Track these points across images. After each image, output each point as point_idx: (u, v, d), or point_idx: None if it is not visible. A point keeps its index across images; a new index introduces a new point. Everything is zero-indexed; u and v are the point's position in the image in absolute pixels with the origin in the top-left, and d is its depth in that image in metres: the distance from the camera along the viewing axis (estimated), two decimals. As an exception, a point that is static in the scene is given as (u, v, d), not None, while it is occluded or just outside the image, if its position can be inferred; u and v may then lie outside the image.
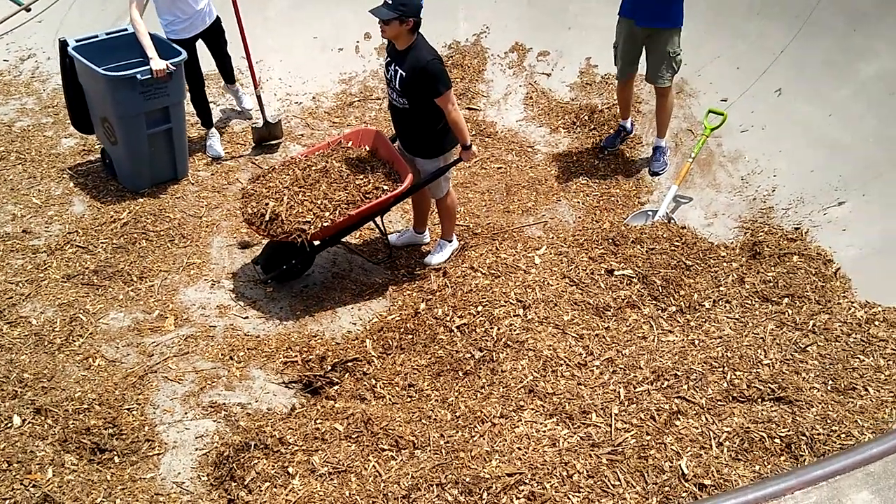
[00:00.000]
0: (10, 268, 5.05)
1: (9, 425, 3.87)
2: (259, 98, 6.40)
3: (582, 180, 6.14)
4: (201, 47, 6.15)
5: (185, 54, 5.54)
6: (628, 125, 6.43)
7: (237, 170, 6.21)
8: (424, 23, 7.24)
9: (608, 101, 6.76)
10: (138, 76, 5.30)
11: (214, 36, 6.17)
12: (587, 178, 6.16)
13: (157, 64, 5.41)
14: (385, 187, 4.84)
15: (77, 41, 5.60)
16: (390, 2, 4.45)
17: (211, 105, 6.48)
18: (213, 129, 6.42)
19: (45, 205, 5.67)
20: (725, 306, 4.41)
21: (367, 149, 5.15)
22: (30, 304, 4.79)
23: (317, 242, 4.97)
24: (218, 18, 6.13)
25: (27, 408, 3.97)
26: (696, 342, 4.08)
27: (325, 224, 4.67)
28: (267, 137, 6.50)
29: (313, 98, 7.09)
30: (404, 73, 4.60)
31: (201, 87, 6.19)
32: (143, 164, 5.64)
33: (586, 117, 6.72)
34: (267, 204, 4.77)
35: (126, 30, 5.85)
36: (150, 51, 5.49)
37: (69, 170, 6.06)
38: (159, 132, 5.65)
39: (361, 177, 4.88)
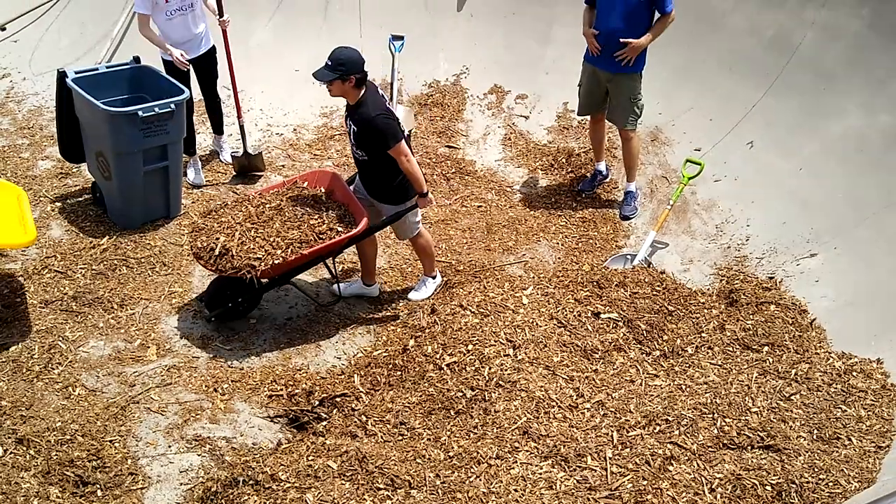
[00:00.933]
0: (-16, 291, 4.93)
1: (-10, 455, 3.76)
2: (241, 127, 6.40)
3: (560, 222, 6.26)
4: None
5: (187, 93, 5.51)
6: (603, 169, 6.59)
7: (217, 198, 6.17)
8: (406, 60, 7.41)
9: (584, 145, 6.92)
10: (140, 112, 5.21)
11: (207, 64, 6.18)
12: (565, 220, 6.28)
13: (175, 52, 5.72)
14: (339, 228, 4.80)
15: (76, 73, 5.51)
16: (330, 63, 4.52)
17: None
18: (196, 157, 6.39)
19: (21, 227, 5.55)
20: (708, 352, 4.53)
21: (323, 190, 5.10)
22: (6, 330, 4.68)
23: (265, 281, 4.91)
24: (213, 48, 6.14)
25: (9, 437, 3.87)
26: (683, 387, 4.18)
27: (276, 261, 4.59)
28: (247, 168, 6.49)
29: (294, 130, 7.10)
30: (356, 128, 4.67)
31: (190, 114, 6.17)
32: (137, 201, 5.53)
33: (563, 160, 6.87)
34: (217, 238, 4.68)
35: (126, 64, 5.82)
36: (164, 46, 5.77)
37: (46, 193, 5.95)
38: (155, 170, 5.56)
39: (316, 217, 4.84)
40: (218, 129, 6.63)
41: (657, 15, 5.78)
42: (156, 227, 5.72)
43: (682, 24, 6.64)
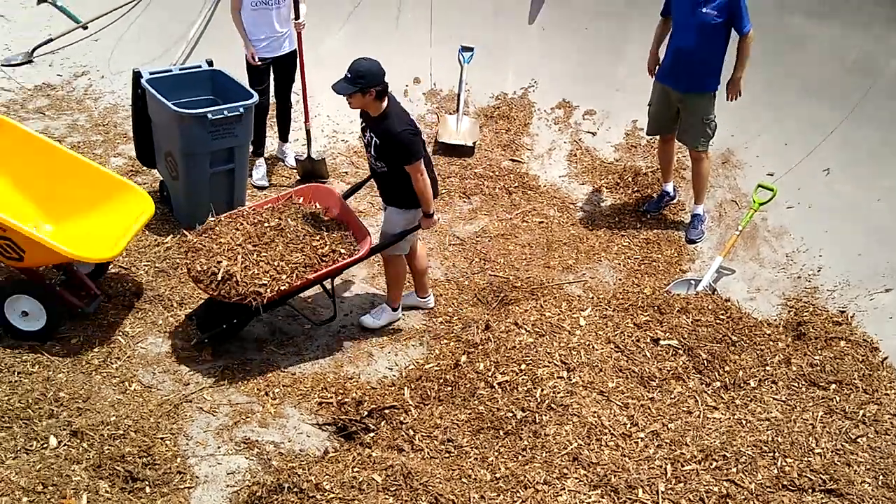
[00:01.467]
0: (52, 284, 5.05)
1: (45, 446, 3.84)
2: (308, 132, 6.45)
3: (623, 242, 6.12)
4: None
5: (256, 97, 5.57)
6: (671, 190, 6.44)
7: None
8: (474, 71, 7.38)
9: (652, 164, 6.77)
10: (210, 115, 5.27)
11: (286, 66, 6.26)
12: (629, 240, 6.14)
13: (247, 48, 5.93)
14: (342, 251, 4.66)
15: (151, 73, 5.62)
16: (349, 75, 4.43)
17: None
18: (262, 160, 6.47)
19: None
20: (772, 387, 4.35)
21: (319, 206, 4.95)
22: (70, 323, 4.77)
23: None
24: (295, 52, 6.21)
25: (64, 429, 3.93)
26: (744, 422, 4.01)
27: (282, 287, 4.42)
28: (311, 173, 6.54)
29: (359, 137, 7.12)
30: (378, 141, 4.56)
31: (264, 116, 6.26)
32: (202, 202, 5.55)
33: (630, 179, 6.73)
34: (219, 262, 4.43)
35: (199, 66, 5.92)
36: (243, 37, 5.96)
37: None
38: (221, 172, 5.60)
39: (318, 238, 4.68)
40: (284, 135, 6.70)
41: (733, 34, 5.63)
42: (219, 227, 5.79)
43: (761, 44, 6.45)
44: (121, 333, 4.77)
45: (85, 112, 7.07)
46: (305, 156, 6.50)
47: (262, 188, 6.37)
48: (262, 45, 6.06)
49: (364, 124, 4.70)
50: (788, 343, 4.69)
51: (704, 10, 5.55)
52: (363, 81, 4.37)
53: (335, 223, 4.86)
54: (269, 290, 4.37)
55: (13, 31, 7.99)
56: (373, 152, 4.65)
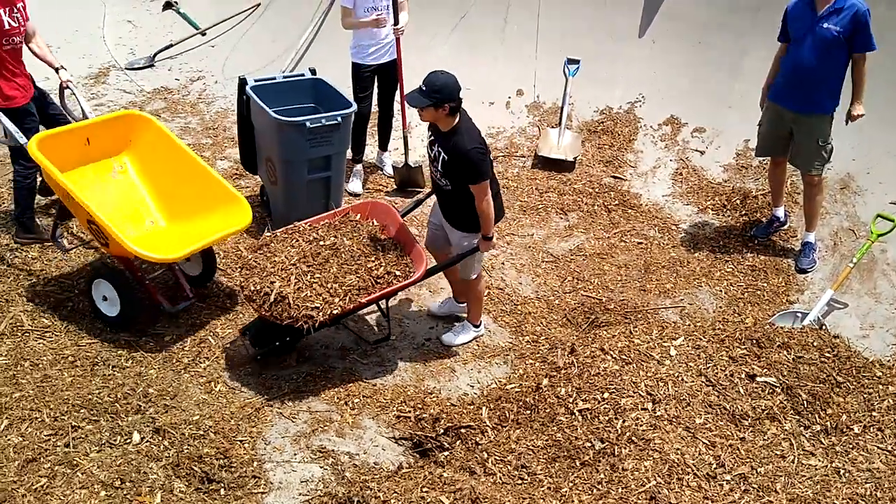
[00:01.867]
0: (152, 282, 5.22)
1: (128, 441, 3.96)
2: (405, 139, 6.47)
3: (727, 268, 5.82)
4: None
5: (354, 106, 5.64)
6: (781, 215, 6.08)
7: (376, 211, 6.26)
8: (580, 84, 7.21)
9: (763, 187, 6.42)
10: (308, 123, 5.35)
11: (389, 74, 6.31)
12: (733, 266, 5.84)
13: (373, 21, 5.96)
14: (397, 272, 4.52)
15: (256, 81, 5.76)
16: (424, 88, 4.26)
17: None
18: (360, 167, 6.54)
19: (193, 223, 5.88)
20: (877, 434, 4.02)
21: (376, 223, 4.85)
22: (165, 321, 4.94)
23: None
24: (395, 61, 6.25)
25: (147, 426, 4.05)
26: (842, 472, 3.72)
27: (335, 311, 4.30)
28: (407, 181, 6.55)
29: (426, 150, 7.07)
30: (446, 157, 4.41)
31: (365, 123, 6.36)
32: (298, 207, 5.67)
33: (738, 201, 6.41)
34: (272, 283, 4.35)
35: (303, 75, 6.05)
36: (364, 23, 6.00)
37: (219, 192, 6.28)
38: (318, 178, 5.68)
39: (373, 259, 4.55)
40: (384, 143, 6.75)
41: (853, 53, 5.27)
42: (314, 233, 5.87)
43: (887, 64, 6.04)
44: (211, 334, 4.89)
45: (198, 115, 7.34)
46: (403, 163, 6.52)
47: (356, 195, 6.43)
48: (369, 52, 6.14)
49: (432, 138, 4.60)
50: (901, 388, 4.33)
51: (826, 24, 5.22)
52: (438, 96, 4.25)
53: (392, 242, 4.75)
54: (321, 314, 4.28)
55: (139, 36, 8.41)
56: (439, 167, 4.53)
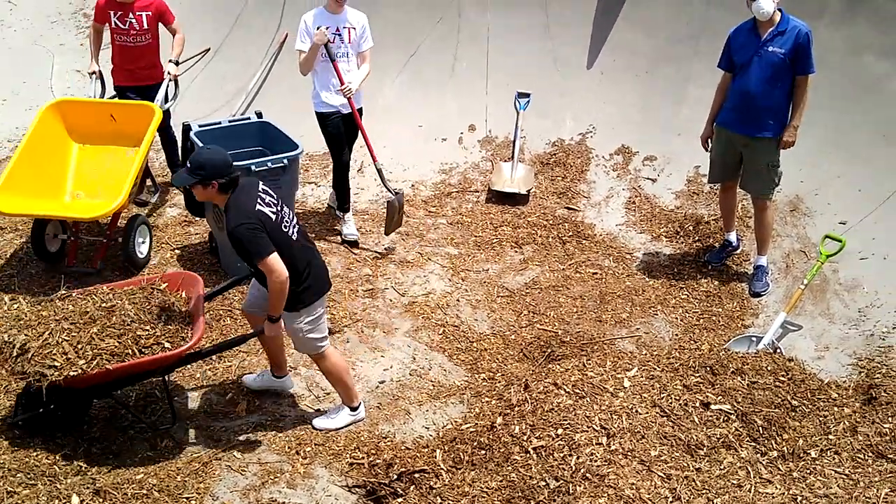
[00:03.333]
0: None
1: (66, 505, 3.81)
2: (380, 172, 6.22)
3: (682, 295, 5.82)
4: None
5: (301, 148, 5.57)
6: (734, 239, 6.10)
7: (329, 252, 6.18)
8: (531, 117, 7.24)
9: (715, 212, 6.46)
10: (253, 167, 5.29)
11: (353, 123, 6.12)
12: (688, 292, 5.83)
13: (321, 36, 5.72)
14: (167, 344, 4.11)
15: (200, 126, 5.72)
16: (189, 165, 4.02)
17: (312, 186, 6.53)
18: (349, 215, 6.38)
19: (141, 273, 5.76)
20: (834, 458, 3.98)
21: (184, 296, 4.49)
22: (109, 375, 4.79)
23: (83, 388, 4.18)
24: (361, 110, 6.12)
25: (87, 487, 3.90)
26: (799, 498, 3.66)
27: (72, 373, 3.88)
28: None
29: (412, 186, 7.07)
30: (227, 237, 4.13)
31: (346, 172, 6.28)
32: None
33: (691, 227, 6.44)
34: (18, 334, 4.04)
35: (248, 118, 6.02)
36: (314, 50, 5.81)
37: (168, 240, 6.18)
38: (268, 223, 5.60)
39: (148, 327, 4.16)
40: (343, 203, 6.43)
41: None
42: (265, 278, 5.77)
43: (832, 86, 6.15)
44: (157, 387, 4.76)
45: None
46: (394, 193, 6.16)
47: (353, 244, 6.28)
48: (327, 98, 5.98)
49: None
50: (856, 409, 4.31)
51: (771, 48, 5.29)
52: (202, 172, 3.96)
53: (184, 316, 4.35)
54: (55, 374, 3.86)
55: (87, 85, 8.29)
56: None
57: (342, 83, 5.84)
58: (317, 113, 6.07)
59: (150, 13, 6.25)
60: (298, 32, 5.87)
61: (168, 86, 6.43)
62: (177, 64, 6.49)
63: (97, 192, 5.75)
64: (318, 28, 5.76)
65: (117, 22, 6.22)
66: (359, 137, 6.24)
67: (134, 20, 6.22)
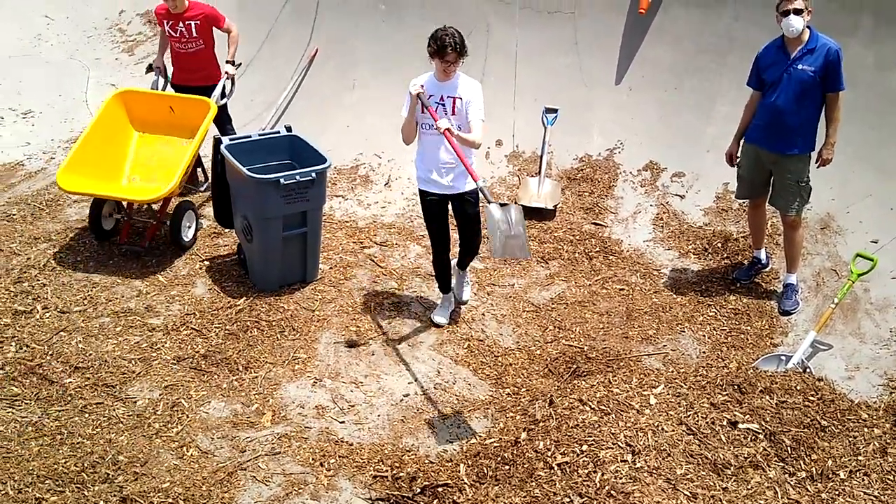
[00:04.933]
0: (126, 343, 5.18)
1: (94, 512, 3.85)
2: (482, 190, 4.71)
3: (710, 312, 5.76)
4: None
5: (329, 162, 5.63)
6: (763, 257, 6.04)
7: (355, 265, 6.22)
8: (558, 133, 7.24)
9: (744, 229, 6.40)
10: (281, 181, 5.35)
11: (463, 206, 5.31)
12: (716, 310, 5.78)
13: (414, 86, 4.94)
14: None
15: (230, 139, 5.83)
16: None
17: (339, 199, 6.58)
18: (448, 295, 5.70)
19: (171, 284, 5.84)
20: (863, 479, 3.91)
21: None
22: (138, 384, 4.86)
23: None
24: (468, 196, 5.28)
25: (115, 495, 3.95)
26: (828, 521, 3.60)
27: None
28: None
29: (439, 200, 7.08)
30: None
31: (445, 254, 5.54)
32: (275, 264, 5.67)
33: (719, 244, 6.38)
34: None
35: (278, 132, 6.10)
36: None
37: (197, 252, 6.25)
38: (294, 235, 5.66)
39: None
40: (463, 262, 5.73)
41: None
42: (292, 290, 5.82)
43: (863, 103, 6.09)
44: (185, 396, 4.80)
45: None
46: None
47: (438, 325, 5.64)
48: (429, 177, 5.22)
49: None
50: (887, 430, 4.23)
51: (801, 66, 5.26)
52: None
53: None
54: None
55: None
56: None
57: (435, 119, 4.83)
58: (420, 189, 5.37)
59: (198, 22, 6.58)
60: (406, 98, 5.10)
61: (224, 84, 6.77)
62: (233, 63, 6.81)
63: (152, 178, 6.28)
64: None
65: (170, 30, 6.63)
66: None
67: (184, 28, 6.59)
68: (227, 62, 6.78)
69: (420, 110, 5.05)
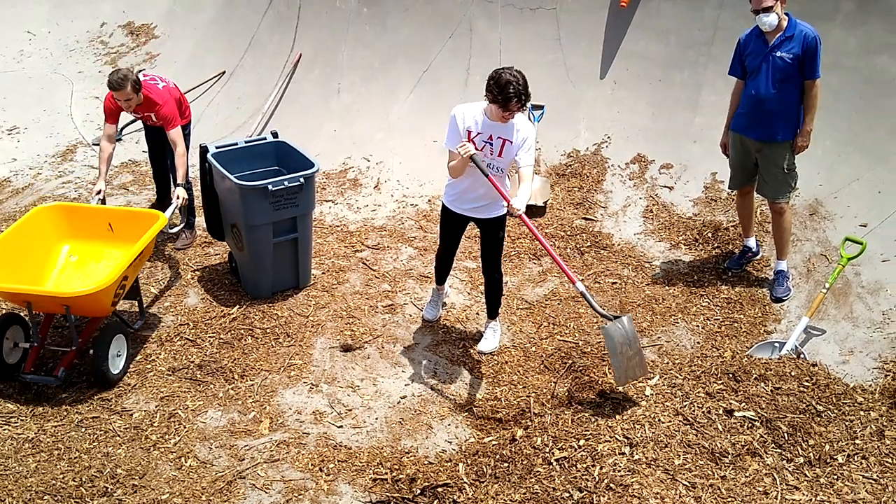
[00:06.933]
0: (120, 356, 5.15)
1: (94, 526, 3.84)
2: (583, 294, 4.69)
3: (703, 302, 5.78)
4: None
5: (317, 166, 5.61)
6: (753, 245, 6.06)
7: (348, 269, 6.22)
8: (545, 129, 7.24)
9: (733, 218, 6.42)
10: (270, 187, 5.34)
11: (490, 231, 5.12)
12: (708, 300, 5.79)
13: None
14: None
15: (217, 147, 5.78)
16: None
17: (330, 204, 6.57)
18: (442, 290, 5.67)
19: (163, 295, 5.83)
20: (861, 463, 3.93)
21: None
22: (134, 396, 4.85)
23: None
24: (498, 221, 5.07)
25: (114, 508, 3.94)
26: (827, 505, 3.62)
27: None
28: None
29: (429, 201, 7.09)
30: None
31: (450, 256, 5.42)
32: (266, 271, 5.66)
33: (710, 234, 6.40)
34: None
35: (265, 139, 6.05)
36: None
37: (188, 262, 6.24)
38: (285, 241, 5.65)
39: None
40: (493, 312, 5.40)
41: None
42: (285, 297, 5.82)
43: (847, 88, 6.11)
44: (181, 407, 4.79)
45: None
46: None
47: (427, 321, 5.70)
48: (455, 197, 5.02)
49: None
50: (883, 413, 4.25)
51: (779, 53, 5.28)
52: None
53: None
54: None
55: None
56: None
57: (506, 200, 4.58)
58: (443, 203, 5.16)
59: (153, 115, 5.93)
60: (448, 126, 4.79)
61: (177, 206, 5.71)
62: (185, 186, 5.83)
63: (84, 279, 5.23)
64: (466, 130, 4.69)
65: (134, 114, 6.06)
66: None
67: (142, 116, 6.08)
68: (177, 185, 5.78)
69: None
